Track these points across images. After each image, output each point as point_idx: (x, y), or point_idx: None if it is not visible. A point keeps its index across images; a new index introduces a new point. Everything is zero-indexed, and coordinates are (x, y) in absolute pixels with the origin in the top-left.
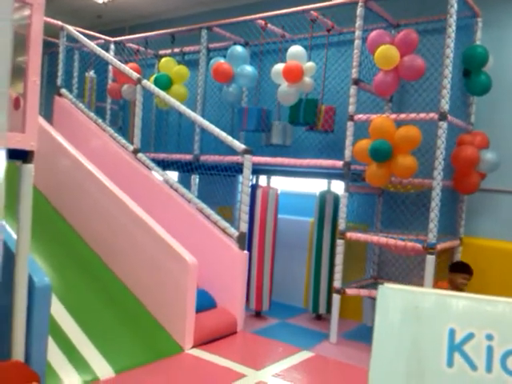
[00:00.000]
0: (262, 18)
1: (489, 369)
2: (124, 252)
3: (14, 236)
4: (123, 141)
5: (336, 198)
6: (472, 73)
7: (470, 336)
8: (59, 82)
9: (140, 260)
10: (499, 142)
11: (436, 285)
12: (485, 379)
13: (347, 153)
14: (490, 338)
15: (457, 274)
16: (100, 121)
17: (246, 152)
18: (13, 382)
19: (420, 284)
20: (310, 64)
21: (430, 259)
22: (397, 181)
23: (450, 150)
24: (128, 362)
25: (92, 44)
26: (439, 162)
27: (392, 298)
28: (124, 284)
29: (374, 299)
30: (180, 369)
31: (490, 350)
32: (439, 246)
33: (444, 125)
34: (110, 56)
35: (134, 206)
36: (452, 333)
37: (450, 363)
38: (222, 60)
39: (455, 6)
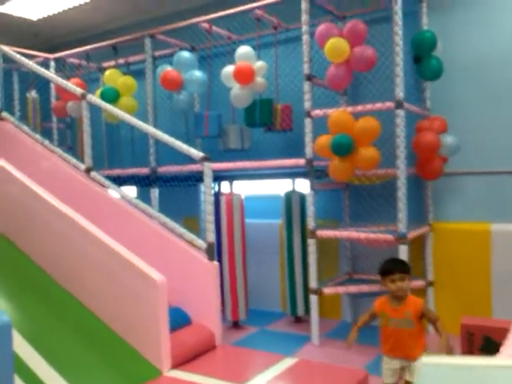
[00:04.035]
0: (206, 21)
1: None
2: (87, 277)
3: None
4: (74, 160)
5: (302, 197)
6: (423, 58)
7: None
8: None
9: (105, 284)
10: (457, 125)
11: (375, 303)
12: None
13: (308, 150)
14: None
15: (385, 278)
16: (47, 142)
17: (204, 159)
18: None
19: None
20: (261, 63)
21: (403, 249)
22: (361, 173)
23: (409, 137)
24: None
25: (30, 63)
26: (401, 151)
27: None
28: (91, 311)
29: (351, 296)
30: None
31: None
32: (410, 235)
33: (401, 113)
34: (50, 73)
35: (93, 227)
36: None
37: None
38: (169, 67)
39: None
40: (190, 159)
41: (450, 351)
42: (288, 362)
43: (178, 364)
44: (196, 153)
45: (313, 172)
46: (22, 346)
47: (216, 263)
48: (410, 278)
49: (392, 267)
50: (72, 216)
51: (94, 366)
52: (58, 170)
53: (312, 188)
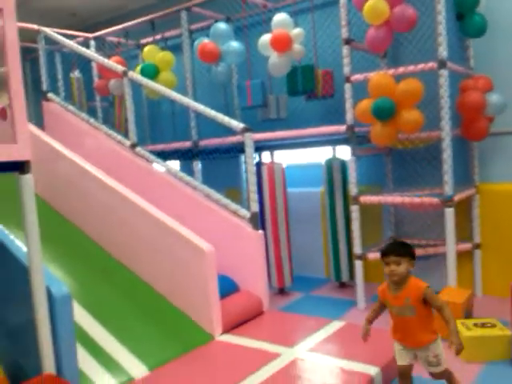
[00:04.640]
0: None
1: None
2: (139, 249)
3: (25, 249)
4: (119, 137)
5: (343, 164)
6: (465, 15)
7: None
8: (45, 86)
9: (157, 255)
10: (503, 83)
11: (379, 290)
12: None
13: (349, 116)
14: None
15: (382, 261)
16: (92, 120)
17: (245, 130)
18: None
19: (441, 239)
20: (298, 30)
21: (449, 212)
22: (403, 137)
23: (453, 98)
24: (160, 357)
25: (72, 43)
26: (446, 112)
27: None
28: (145, 282)
29: None
30: (214, 356)
31: None
32: (456, 198)
33: (444, 73)
34: (91, 53)
35: (142, 202)
36: None
37: None
38: (206, 40)
39: None
40: (230, 131)
41: (458, 340)
42: (335, 326)
43: (228, 329)
44: (236, 124)
45: (354, 138)
46: (81, 316)
47: (260, 232)
48: (411, 262)
49: (387, 249)
50: (122, 191)
51: (151, 332)
52: (105, 146)
53: (354, 154)
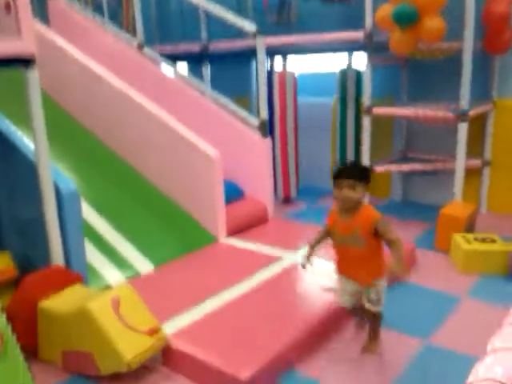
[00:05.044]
0: None
1: None
2: (148, 153)
3: (33, 146)
4: (126, 36)
5: (358, 74)
6: None
7: None
8: None
9: (165, 159)
10: None
11: (328, 215)
12: None
13: (368, 21)
14: None
15: (334, 184)
16: (98, 18)
17: (257, 33)
18: (57, 286)
19: (451, 155)
20: None
21: (463, 127)
22: (424, 47)
23: (478, 9)
24: (166, 254)
25: None
26: (470, 20)
27: None
28: (152, 184)
29: (403, 174)
30: (217, 256)
31: None
32: (472, 113)
33: None
34: None
35: (150, 105)
36: None
37: None
38: None
39: None
40: (241, 34)
41: (401, 268)
42: None
43: (232, 233)
44: (249, 26)
45: (372, 45)
46: (89, 213)
47: (268, 140)
48: (366, 187)
49: (342, 171)
50: (130, 94)
51: (157, 232)
52: (111, 45)
53: (370, 61)
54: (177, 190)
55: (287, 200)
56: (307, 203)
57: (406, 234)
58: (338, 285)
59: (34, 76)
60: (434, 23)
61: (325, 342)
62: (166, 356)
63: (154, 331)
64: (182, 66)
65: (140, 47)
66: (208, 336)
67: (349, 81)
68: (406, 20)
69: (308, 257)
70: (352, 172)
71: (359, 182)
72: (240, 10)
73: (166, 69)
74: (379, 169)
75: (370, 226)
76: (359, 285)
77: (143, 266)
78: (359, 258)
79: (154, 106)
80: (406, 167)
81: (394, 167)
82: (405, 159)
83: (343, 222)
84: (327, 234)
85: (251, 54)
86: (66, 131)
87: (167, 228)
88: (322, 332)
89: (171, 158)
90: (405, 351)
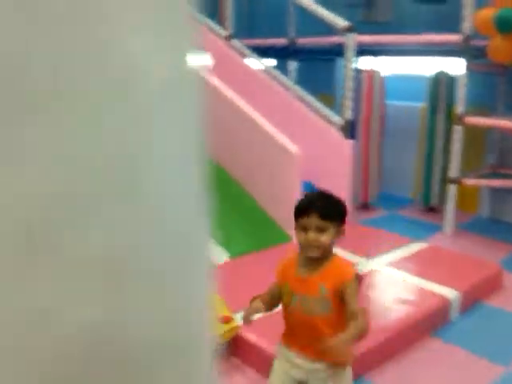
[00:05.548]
0: None
1: None
2: (232, 146)
3: None
4: (216, 26)
5: (450, 80)
6: None
7: None
8: None
9: (246, 153)
10: None
11: (279, 264)
12: None
13: (466, 24)
14: None
15: (296, 222)
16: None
17: (349, 30)
18: None
19: None
20: None
21: None
22: None
23: None
24: (241, 248)
25: None
26: None
27: None
28: (234, 179)
29: (492, 190)
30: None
31: None
32: None
33: None
34: None
35: (237, 99)
36: None
37: None
38: None
39: None
40: (328, 31)
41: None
42: (418, 246)
43: None
44: (341, 22)
45: (469, 50)
46: None
47: (351, 142)
48: (341, 230)
49: (307, 205)
50: (221, 88)
51: (235, 226)
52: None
53: (467, 68)
54: (258, 187)
55: (366, 205)
56: (386, 211)
57: (491, 254)
58: (276, 358)
59: None
60: None
61: (396, 355)
62: (237, 346)
63: (227, 320)
64: (270, 62)
65: (228, 38)
66: (279, 331)
67: (441, 86)
68: (510, 26)
69: (252, 310)
70: (323, 207)
71: (332, 221)
72: (328, 6)
73: (252, 62)
74: (469, 182)
75: (342, 284)
76: (321, 364)
77: (219, 256)
78: (321, 328)
79: (242, 102)
80: (497, 183)
81: (484, 182)
82: (495, 175)
83: (303, 276)
84: (276, 290)
85: (338, 51)
86: None
87: (245, 224)
88: (396, 345)
89: (253, 153)
90: (485, 377)
